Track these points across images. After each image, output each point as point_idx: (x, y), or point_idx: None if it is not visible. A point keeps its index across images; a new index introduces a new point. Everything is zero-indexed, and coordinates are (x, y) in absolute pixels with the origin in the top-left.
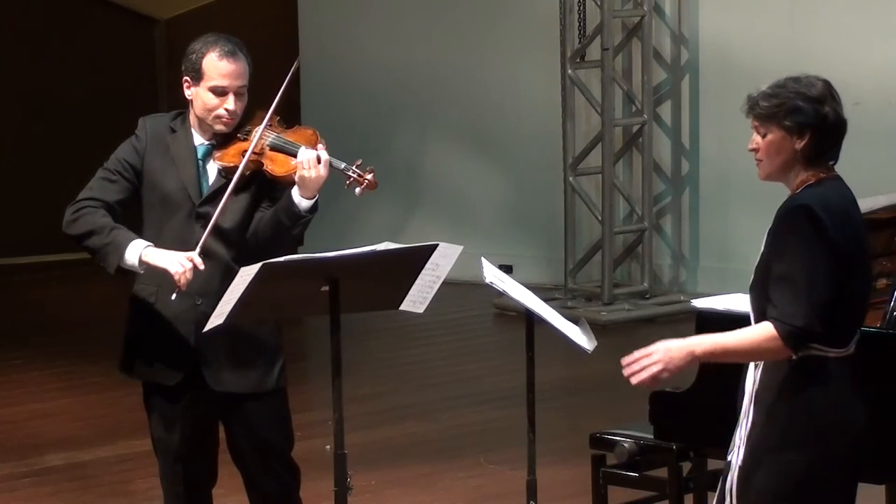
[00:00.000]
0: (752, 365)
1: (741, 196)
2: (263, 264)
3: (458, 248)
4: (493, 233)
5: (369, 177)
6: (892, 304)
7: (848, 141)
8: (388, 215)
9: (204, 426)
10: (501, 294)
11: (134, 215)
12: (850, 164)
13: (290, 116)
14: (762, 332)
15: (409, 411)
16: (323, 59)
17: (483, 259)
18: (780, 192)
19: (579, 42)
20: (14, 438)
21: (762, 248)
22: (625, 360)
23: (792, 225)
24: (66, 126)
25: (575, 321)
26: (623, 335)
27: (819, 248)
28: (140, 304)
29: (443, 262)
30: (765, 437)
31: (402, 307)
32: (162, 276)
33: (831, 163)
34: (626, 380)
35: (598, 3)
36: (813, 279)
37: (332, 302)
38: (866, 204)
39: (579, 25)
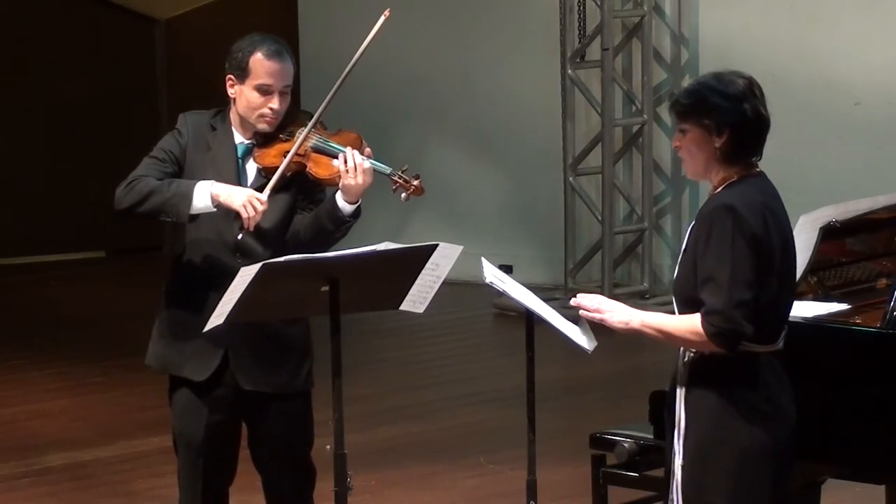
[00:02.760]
0: (679, 366)
1: None
2: (263, 264)
3: (458, 248)
4: (493, 233)
5: (416, 182)
6: (892, 304)
7: (848, 141)
8: (388, 215)
9: (228, 423)
10: (501, 294)
11: None
12: (851, 164)
13: None
14: (691, 323)
15: (409, 411)
16: (323, 60)
17: (483, 259)
18: (780, 193)
19: (579, 42)
20: (14, 438)
21: (683, 245)
22: (574, 302)
23: (714, 225)
24: (66, 126)
25: (575, 321)
26: (623, 335)
27: (742, 247)
28: (173, 299)
29: (443, 262)
30: (701, 437)
31: (402, 307)
32: (204, 269)
33: (755, 159)
34: (627, 380)
35: (598, 3)
36: (736, 279)
37: (332, 302)
38: (866, 204)
39: (579, 25)
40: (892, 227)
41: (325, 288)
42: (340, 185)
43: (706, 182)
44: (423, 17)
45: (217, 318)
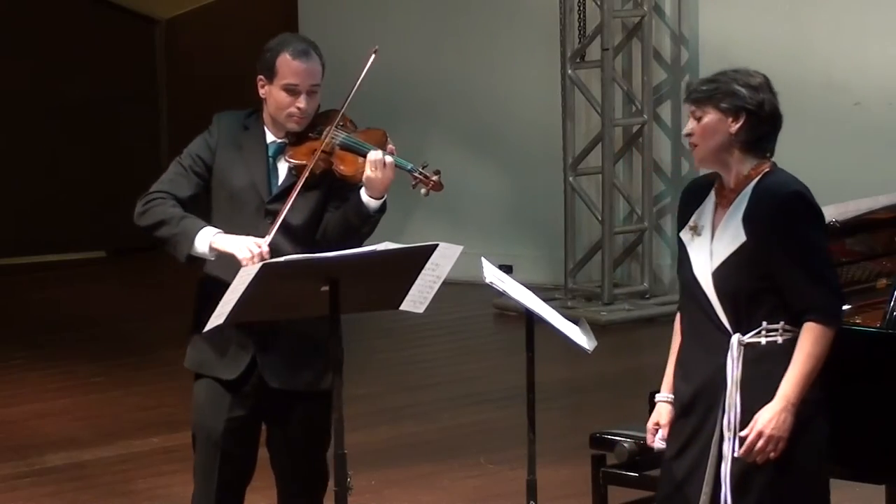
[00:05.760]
0: (731, 358)
1: None
2: (264, 264)
3: (458, 248)
4: (493, 233)
5: (435, 178)
6: (892, 303)
7: (848, 141)
8: (388, 215)
9: (249, 420)
10: (501, 294)
11: (203, 211)
12: (851, 164)
13: None
14: (814, 338)
15: (409, 411)
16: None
17: (483, 259)
18: None
19: (579, 42)
20: (14, 438)
21: (738, 233)
22: (741, 453)
23: (794, 214)
24: (66, 126)
25: (575, 321)
26: (623, 335)
27: (821, 229)
28: (204, 300)
29: (443, 262)
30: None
31: (402, 307)
32: (229, 264)
33: (768, 154)
34: (627, 380)
35: (598, 3)
36: (826, 260)
37: (332, 302)
38: (866, 204)
39: (579, 25)
40: (892, 227)
41: (325, 288)
42: (364, 179)
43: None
44: (422, 17)
45: (217, 318)
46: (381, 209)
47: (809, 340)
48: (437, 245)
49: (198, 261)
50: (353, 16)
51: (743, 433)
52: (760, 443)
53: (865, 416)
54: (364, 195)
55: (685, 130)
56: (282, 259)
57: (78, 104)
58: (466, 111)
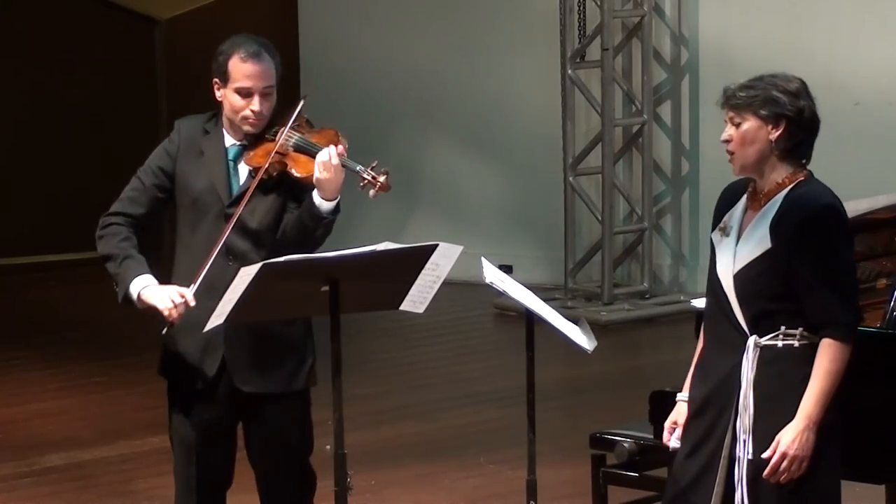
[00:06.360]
0: (746, 359)
1: None
2: (263, 264)
3: (458, 248)
4: (493, 233)
5: (382, 179)
6: (892, 303)
7: (848, 141)
8: (388, 215)
9: (225, 424)
10: (501, 294)
11: (169, 217)
12: (851, 164)
13: None
14: (831, 355)
15: (409, 411)
16: (323, 60)
17: (483, 259)
18: None
19: (579, 42)
20: (14, 438)
21: (764, 239)
22: (765, 475)
23: (824, 227)
24: (66, 126)
25: (575, 321)
26: (623, 335)
27: (847, 244)
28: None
29: (443, 262)
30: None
31: (402, 307)
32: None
33: (804, 161)
34: (627, 380)
35: (598, 3)
36: (850, 276)
37: (332, 302)
38: (866, 204)
39: (579, 25)
40: (892, 227)
41: (325, 288)
42: (314, 180)
43: (707, 182)
44: (423, 17)
45: (217, 317)
46: (335, 211)
47: (827, 358)
48: (437, 245)
49: (134, 302)
50: (354, 16)
51: (766, 454)
52: (784, 463)
53: (865, 417)
54: (316, 197)
55: (723, 137)
56: (282, 259)
57: (78, 104)
58: (466, 111)
